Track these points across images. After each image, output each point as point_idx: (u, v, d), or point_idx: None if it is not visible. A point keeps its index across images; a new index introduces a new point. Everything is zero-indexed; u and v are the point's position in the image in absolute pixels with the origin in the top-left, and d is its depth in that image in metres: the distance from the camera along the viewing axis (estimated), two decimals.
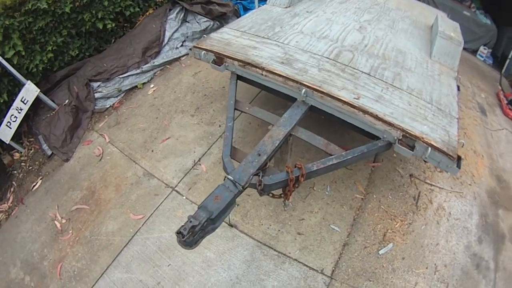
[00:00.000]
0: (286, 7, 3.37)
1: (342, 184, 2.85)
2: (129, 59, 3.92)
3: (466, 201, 3.02)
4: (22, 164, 3.53)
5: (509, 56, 6.38)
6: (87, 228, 2.85)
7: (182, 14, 4.40)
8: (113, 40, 4.24)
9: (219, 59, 2.65)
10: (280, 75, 2.34)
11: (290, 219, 2.66)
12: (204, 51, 2.73)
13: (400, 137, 1.99)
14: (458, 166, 1.91)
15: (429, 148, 1.89)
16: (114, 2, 4.02)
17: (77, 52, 3.93)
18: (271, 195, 1.97)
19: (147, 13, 4.43)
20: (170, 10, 4.34)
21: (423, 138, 1.92)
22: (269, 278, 2.39)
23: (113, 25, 4.09)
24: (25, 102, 3.36)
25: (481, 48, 6.87)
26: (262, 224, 2.64)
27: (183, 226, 1.53)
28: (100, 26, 3.95)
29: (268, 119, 2.32)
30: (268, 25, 3.02)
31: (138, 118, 3.64)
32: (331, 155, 2.01)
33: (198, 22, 4.50)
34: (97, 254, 2.66)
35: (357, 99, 2.12)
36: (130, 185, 3.05)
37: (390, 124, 2.00)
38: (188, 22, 4.49)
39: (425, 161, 2.14)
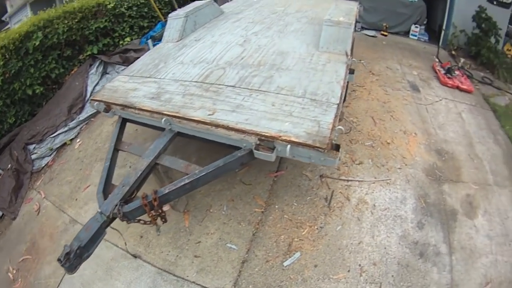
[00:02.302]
0: (177, 41, 3.32)
1: (240, 201, 2.68)
2: (57, 119, 4.01)
3: (396, 187, 2.78)
4: None
5: (443, 27, 6.28)
6: (31, 274, 2.97)
7: (102, 67, 4.50)
8: (44, 103, 4.34)
9: (108, 107, 2.62)
10: (146, 110, 2.29)
11: (187, 243, 2.55)
12: (96, 102, 2.71)
13: (258, 142, 1.85)
14: (336, 156, 1.73)
15: (288, 146, 1.74)
16: (39, 67, 4.14)
17: (14, 119, 4.09)
18: (142, 222, 1.98)
19: (72, 72, 4.51)
20: (90, 65, 4.47)
21: (280, 136, 1.79)
22: None
23: (42, 89, 4.23)
24: None
25: (412, 27, 6.62)
26: (162, 252, 2.56)
27: (61, 253, 1.70)
28: (30, 92, 4.10)
29: (140, 153, 2.28)
30: (155, 63, 2.95)
31: (66, 172, 3.69)
32: None
33: (117, 72, 4.53)
34: None
35: (211, 114, 2.04)
36: (60, 232, 3.16)
37: (242, 131, 1.87)
38: (108, 73, 4.58)
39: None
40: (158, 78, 2.66)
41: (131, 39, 5.08)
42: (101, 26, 4.67)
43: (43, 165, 3.85)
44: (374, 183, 2.78)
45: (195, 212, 2.71)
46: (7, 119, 4.02)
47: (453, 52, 5.83)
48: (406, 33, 6.70)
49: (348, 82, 3.76)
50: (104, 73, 4.54)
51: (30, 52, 3.99)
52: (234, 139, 1.94)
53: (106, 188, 2.14)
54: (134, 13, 5.34)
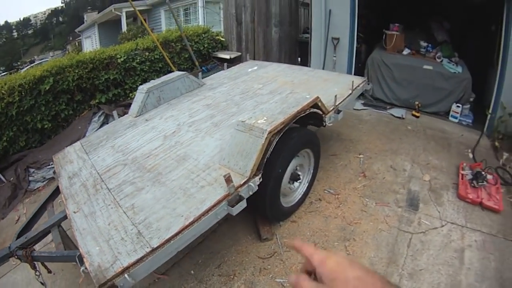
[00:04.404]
0: (135, 116, 3.93)
1: None
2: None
3: None
4: None
5: (489, 110, 4.95)
6: None
7: (103, 117, 5.48)
8: (53, 136, 5.48)
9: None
10: (59, 188, 2.99)
11: None
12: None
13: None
14: None
15: (82, 267, 1.93)
16: (50, 107, 5.25)
17: (24, 143, 5.23)
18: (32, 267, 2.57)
19: (82, 115, 5.57)
20: (95, 113, 5.46)
21: (83, 256, 1.94)
22: None
23: (50, 125, 5.31)
24: None
25: (453, 106, 5.45)
26: None
27: None
28: (40, 126, 5.22)
29: (49, 217, 2.98)
30: (102, 138, 3.51)
31: None
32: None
33: None
34: None
35: (75, 212, 2.49)
36: None
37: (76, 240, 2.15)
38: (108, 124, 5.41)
39: None
40: (88, 158, 3.24)
41: None
42: (111, 77, 5.70)
43: (35, 188, 4.97)
44: None
45: None
46: (19, 142, 5.16)
47: (497, 144, 4.59)
48: (447, 114, 5.57)
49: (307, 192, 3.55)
50: (105, 122, 5.50)
51: (42, 93, 5.09)
52: None
53: (24, 231, 2.81)
54: (147, 68, 6.23)
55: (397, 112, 5.75)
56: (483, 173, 3.70)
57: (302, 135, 3.18)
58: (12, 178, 4.91)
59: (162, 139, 3.37)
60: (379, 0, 7.65)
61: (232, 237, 3.29)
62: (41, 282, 2.80)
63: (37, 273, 2.66)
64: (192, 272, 2.97)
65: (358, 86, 4.21)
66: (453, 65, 5.58)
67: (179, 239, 2.04)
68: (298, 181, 3.41)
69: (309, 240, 3.16)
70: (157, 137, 3.42)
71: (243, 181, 2.40)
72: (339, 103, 3.62)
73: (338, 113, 3.59)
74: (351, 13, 6.00)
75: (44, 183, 5.05)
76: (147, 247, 1.93)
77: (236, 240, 3.25)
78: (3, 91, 4.84)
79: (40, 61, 22.27)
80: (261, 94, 4.11)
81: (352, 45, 6.24)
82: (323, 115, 3.32)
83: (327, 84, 4.31)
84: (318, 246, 2.95)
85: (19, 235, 2.78)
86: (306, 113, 2.98)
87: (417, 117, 5.59)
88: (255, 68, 5.49)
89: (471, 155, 4.37)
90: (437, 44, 6.34)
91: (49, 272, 2.87)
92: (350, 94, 3.94)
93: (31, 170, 5.00)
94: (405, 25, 6.63)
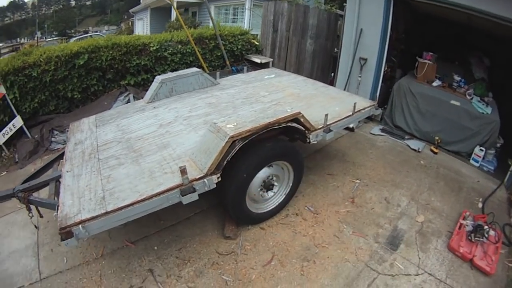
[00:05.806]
0: (147, 102, 4.53)
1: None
2: None
3: None
4: (4, 160, 5.58)
5: None
6: None
7: (128, 98, 6.15)
8: (80, 106, 6.28)
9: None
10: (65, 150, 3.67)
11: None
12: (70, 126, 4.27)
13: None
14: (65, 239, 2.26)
15: (54, 214, 2.48)
16: (81, 80, 6.03)
17: (54, 108, 6.05)
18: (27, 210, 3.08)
19: (111, 92, 6.31)
20: (121, 93, 6.18)
21: (59, 206, 2.48)
22: None
23: (80, 96, 6.10)
24: (14, 126, 5.52)
25: (476, 149, 5.16)
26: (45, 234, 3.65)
27: None
28: (70, 95, 6.03)
29: (53, 171, 3.66)
30: (113, 116, 4.13)
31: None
32: None
33: None
34: None
35: (67, 171, 3.08)
36: None
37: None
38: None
39: None
40: (96, 130, 3.86)
41: None
42: (142, 63, 6.41)
43: (55, 148, 5.78)
44: None
45: None
46: (49, 106, 6.00)
47: None
48: (469, 155, 5.32)
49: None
50: (128, 102, 6.19)
51: (76, 67, 5.86)
52: None
53: (29, 179, 3.40)
54: (178, 59, 6.83)
55: (415, 144, 5.58)
56: (485, 227, 3.38)
57: (276, 147, 3.32)
58: (36, 136, 5.78)
59: (157, 126, 3.87)
60: (421, 28, 7.60)
61: (202, 228, 3.62)
62: (35, 225, 3.53)
63: (30, 214, 3.22)
64: (156, 248, 3.37)
65: (363, 109, 4.26)
66: (483, 104, 5.30)
67: (130, 210, 2.47)
68: (272, 191, 3.66)
69: (270, 250, 3.29)
70: (154, 124, 3.94)
71: (199, 176, 2.73)
72: (332, 123, 3.73)
73: (328, 132, 3.65)
74: (382, 35, 5.98)
75: (64, 145, 5.84)
76: (103, 210, 2.40)
77: (203, 231, 3.56)
78: (41, 59, 5.67)
79: (93, 33, 23.93)
80: (262, 102, 4.43)
81: (380, 68, 6.17)
82: (306, 132, 3.45)
83: (331, 102, 4.48)
84: (275, 258, 3.19)
85: (24, 182, 3.41)
86: (281, 126, 3.14)
87: (435, 153, 5.40)
88: (272, 76, 5.82)
89: (480, 205, 4.03)
90: (473, 80, 6.12)
91: (41, 216, 3.42)
92: (350, 116, 4.02)
93: (55, 132, 5.84)
94: (444, 56, 6.43)
